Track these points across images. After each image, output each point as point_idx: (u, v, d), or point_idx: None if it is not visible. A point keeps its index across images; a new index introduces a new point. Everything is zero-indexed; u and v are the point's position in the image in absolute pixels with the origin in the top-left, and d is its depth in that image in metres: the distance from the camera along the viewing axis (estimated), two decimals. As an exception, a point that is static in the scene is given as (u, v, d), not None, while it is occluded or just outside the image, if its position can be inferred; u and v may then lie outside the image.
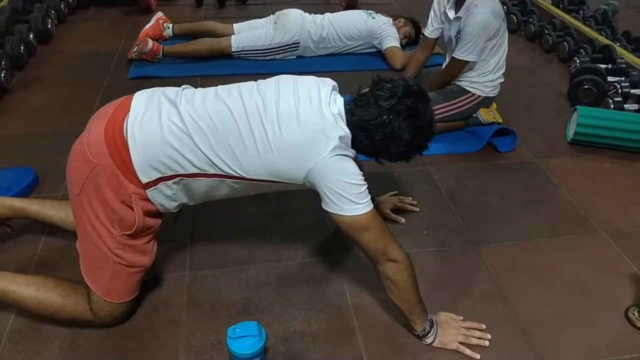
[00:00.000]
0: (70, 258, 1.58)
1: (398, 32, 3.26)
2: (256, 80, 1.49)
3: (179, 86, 1.48)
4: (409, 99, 1.35)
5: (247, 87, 1.44)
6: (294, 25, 3.16)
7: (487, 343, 1.48)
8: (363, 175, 1.36)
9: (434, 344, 1.46)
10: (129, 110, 1.36)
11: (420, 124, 1.38)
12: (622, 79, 2.85)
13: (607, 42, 3.23)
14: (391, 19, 3.32)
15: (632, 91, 2.76)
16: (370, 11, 3.34)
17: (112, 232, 1.38)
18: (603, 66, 2.97)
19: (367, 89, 1.42)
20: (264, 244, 1.81)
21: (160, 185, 1.38)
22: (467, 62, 2.31)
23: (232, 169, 1.37)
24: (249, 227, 1.89)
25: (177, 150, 1.33)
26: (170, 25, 3.35)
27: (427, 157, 2.28)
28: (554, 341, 1.51)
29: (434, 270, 1.73)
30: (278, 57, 3.20)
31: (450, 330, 1.48)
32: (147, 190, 1.37)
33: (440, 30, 2.48)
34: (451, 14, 2.33)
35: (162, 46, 3.07)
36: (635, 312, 1.58)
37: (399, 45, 3.20)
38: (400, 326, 1.52)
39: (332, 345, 1.48)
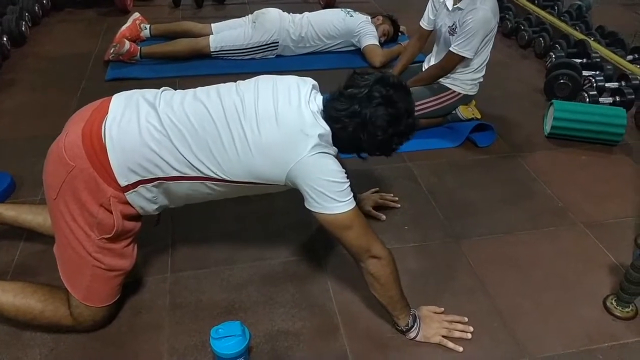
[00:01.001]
0: (49, 263, 1.56)
1: (376, 30, 3.28)
2: (236, 81, 1.48)
3: (158, 87, 1.47)
4: (382, 87, 1.32)
5: (226, 88, 1.43)
6: (273, 24, 3.15)
7: (469, 336, 1.49)
8: (345, 173, 1.36)
9: (417, 338, 1.47)
10: (107, 113, 1.35)
11: (395, 113, 1.33)
12: (597, 73, 2.91)
13: (581, 37, 3.29)
14: (369, 17, 3.33)
15: (607, 85, 2.82)
16: (348, 10, 3.35)
17: (91, 235, 1.36)
18: (578, 61, 3.02)
19: (343, 83, 1.41)
20: (246, 244, 1.80)
21: (140, 188, 1.36)
22: (464, 58, 2.30)
23: (212, 172, 1.36)
24: (230, 227, 1.89)
25: (156, 153, 1.32)
26: (148, 26, 3.32)
27: (407, 154, 2.30)
28: (535, 332, 1.53)
29: (415, 265, 1.74)
30: (257, 56, 3.19)
31: (432, 324, 1.49)
32: (126, 193, 1.36)
33: (435, 22, 2.45)
34: (449, 3, 2.31)
35: (139, 47, 3.04)
36: (613, 301, 1.61)
37: (377, 43, 3.21)
38: (384, 322, 1.52)
39: (317, 343, 1.48)
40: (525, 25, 3.58)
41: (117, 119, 1.33)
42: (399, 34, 3.44)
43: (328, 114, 1.37)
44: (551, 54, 3.17)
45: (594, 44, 3.21)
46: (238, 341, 1.31)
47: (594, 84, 2.80)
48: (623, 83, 2.83)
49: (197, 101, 1.38)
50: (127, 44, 2.98)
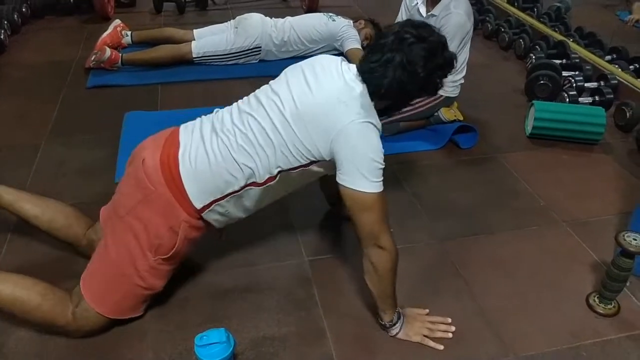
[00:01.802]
0: (35, 257, 1.53)
1: (359, 33, 3.28)
2: (254, 87, 1.55)
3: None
4: (410, 27, 1.34)
5: (263, 92, 1.48)
6: (255, 29, 3.15)
7: (450, 335, 1.50)
8: (383, 154, 1.35)
9: (399, 336, 1.48)
10: (178, 143, 1.44)
11: (430, 46, 1.33)
12: (576, 73, 2.95)
13: (561, 38, 3.34)
14: (351, 21, 3.34)
15: (586, 85, 2.86)
16: (330, 14, 3.36)
17: (147, 255, 1.41)
18: (558, 61, 3.06)
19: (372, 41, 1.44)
20: (230, 250, 1.79)
21: (214, 206, 1.45)
22: None
23: (276, 170, 1.41)
24: (214, 234, 1.87)
25: (225, 173, 1.40)
26: (129, 33, 3.30)
27: (391, 156, 2.30)
28: (520, 330, 1.54)
29: (400, 267, 1.72)
30: (240, 61, 3.18)
31: (415, 323, 1.50)
32: (202, 214, 1.45)
33: None
34: (423, 10, 2.32)
35: (120, 54, 3.02)
36: (596, 298, 1.63)
37: (360, 47, 3.21)
38: (370, 326, 1.52)
39: (303, 348, 1.47)
40: (505, 27, 3.62)
41: (187, 149, 1.42)
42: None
43: (364, 70, 1.36)
44: (531, 55, 3.21)
45: (573, 45, 3.26)
46: (222, 348, 1.30)
47: (574, 84, 2.84)
48: (602, 83, 2.87)
49: (243, 113, 1.45)
50: (109, 51, 2.96)
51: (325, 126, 1.34)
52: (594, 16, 4.27)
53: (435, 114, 2.51)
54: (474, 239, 1.89)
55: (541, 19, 3.74)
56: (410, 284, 1.68)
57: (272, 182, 1.44)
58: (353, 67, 1.42)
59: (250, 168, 1.40)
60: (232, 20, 3.26)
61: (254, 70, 3.14)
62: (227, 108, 1.52)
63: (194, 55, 3.10)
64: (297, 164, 1.41)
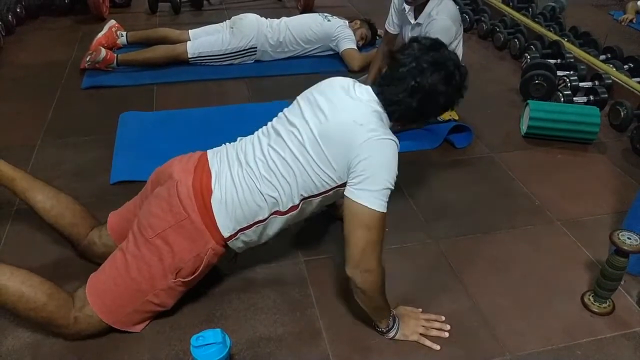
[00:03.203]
0: (38, 248, 1.52)
1: (354, 33, 3.29)
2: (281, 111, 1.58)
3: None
4: (426, 55, 1.38)
5: (280, 124, 1.51)
6: (251, 29, 3.15)
7: (446, 334, 1.51)
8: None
9: (396, 337, 1.49)
10: (210, 172, 1.47)
11: (448, 71, 1.39)
12: (571, 72, 2.96)
13: (555, 38, 3.35)
14: (347, 21, 3.35)
15: (581, 84, 2.87)
16: (326, 14, 3.36)
17: (168, 276, 1.43)
18: (552, 61, 3.07)
19: (386, 69, 1.46)
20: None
21: (240, 235, 1.47)
22: None
23: (299, 198, 1.45)
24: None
25: (251, 203, 1.43)
26: (124, 33, 3.29)
27: (387, 156, 2.31)
28: (515, 329, 1.55)
29: (396, 267, 1.75)
30: (236, 62, 3.18)
31: (410, 322, 1.51)
32: (228, 242, 1.47)
33: (401, 28, 2.48)
34: (411, 17, 2.34)
35: (115, 55, 3.01)
36: (591, 297, 1.63)
37: (355, 47, 3.23)
38: (366, 326, 1.53)
39: (299, 348, 1.47)
40: (500, 27, 3.63)
41: (218, 179, 1.45)
42: (377, 37, 3.46)
43: (387, 100, 1.41)
44: (526, 54, 3.22)
45: (568, 45, 3.27)
46: (219, 349, 1.30)
47: (569, 84, 2.85)
48: (596, 82, 2.88)
49: (264, 145, 1.48)
50: (103, 51, 2.95)
51: (344, 148, 1.36)
52: (588, 16, 4.29)
53: (431, 113, 2.51)
54: (469, 238, 1.90)
55: (536, 19, 3.75)
56: (405, 283, 1.69)
57: (294, 211, 1.48)
58: (367, 89, 1.45)
59: (273, 198, 1.44)
60: (227, 21, 3.26)
61: (250, 70, 3.14)
62: (249, 138, 1.56)
63: (189, 56, 3.09)
64: (318, 191, 1.45)
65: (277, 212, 1.47)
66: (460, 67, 1.44)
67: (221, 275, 1.70)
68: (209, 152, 1.55)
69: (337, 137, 1.37)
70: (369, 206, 1.32)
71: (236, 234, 1.46)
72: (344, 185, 1.40)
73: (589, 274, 1.75)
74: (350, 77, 1.54)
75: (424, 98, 1.39)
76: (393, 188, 1.35)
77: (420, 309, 1.57)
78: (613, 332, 1.55)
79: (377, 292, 1.39)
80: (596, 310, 1.61)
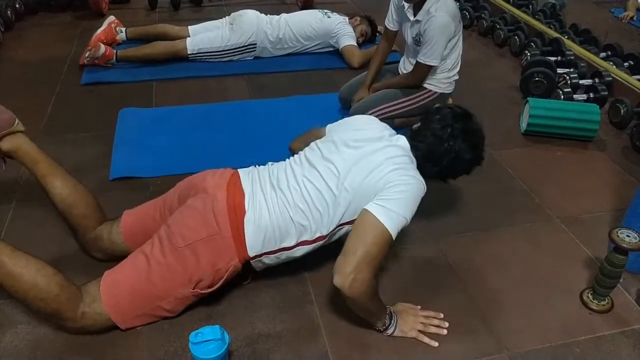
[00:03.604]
0: (36, 241, 1.52)
1: (354, 30, 3.29)
2: (311, 144, 1.64)
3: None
4: (459, 123, 1.53)
5: (315, 156, 1.55)
6: (250, 26, 3.14)
7: (445, 331, 1.51)
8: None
9: (395, 334, 1.49)
10: (243, 192, 1.50)
11: (476, 141, 1.57)
12: (571, 70, 2.96)
13: (555, 35, 3.34)
14: (347, 18, 3.34)
15: (581, 82, 2.87)
16: (326, 10, 3.36)
17: (187, 286, 1.45)
18: (552, 58, 3.07)
19: (419, 124, 1.59)
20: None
21: (264, 257, 1.52)
22: (432, 66, 2.33)
23: (325, 230, 1.50)
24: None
25: (282, 228, 1.48)
26: (123, 29, 3.28)
27: (386, 153, 2.31)
28: (514, 327, 1.55)
29: (395, 264, 1.75)
30: (235, 58, 3.17)
31: (408, 318, 1.51)
32: (251, 261, 1.51)
33: (400, 24, 2.48)
34: (410, 15, 2.34)
35: (115, 51, 3.00)
36: (590, 295, 1.63)
37: (355, 44, 3.22)
38: (364, 323, 1.52)
39: (298, 345, 1.48)
40: (500, 24, 3.62)
41: (251, 200, 1.49)
42: (377, 34, 3.45)
43: (420, 155, 1.54)
44: (526, 52, 3.22)
45: (568, 42, 3.26)
46: (217, 345, 1.30)
47: (569, 81, 2.84)
48: (596, 80, 2.88)
49: (299, 175, 1.52)
50: (103, 47, 2.94)
51: (379, 185, 1.42)
52: (589, 13, 4.29)
53: (431, 110, 2.51)
54: (469, 236, 1.90)
55: (536, 16, 3.74)
56: (404, 281, 1.69)
57: (321, 241, 1.52)
58: (404, 139, 1.56)
59: (303, 226, 1.48)
60: (227, 17, 3.26)
61: (249, 67, 3.13)
62: (280, 164, 1.61)
63: (188, 52, 3.09)
64: (348, 220, 1.49)
65: (304, 242, 1.51)
66: (484, 138, 1.60)
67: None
68: (241, 172, 1.59)
69: (374, 175, 1.43)
70: (384, 224, 1.36)
71: (261, 255, 1.50)
72: None
73: (588, 271, 1.75)
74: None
75: (452, 160, 1.54)
76: (408, 223, 1.42)
77: (419, 306, 1.57)
78: (612, 330, 1.55)
79: (368, 301, 1.40)
80: (595, 307, 1.61)
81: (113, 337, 1.47)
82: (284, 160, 1.63)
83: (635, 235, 1.51)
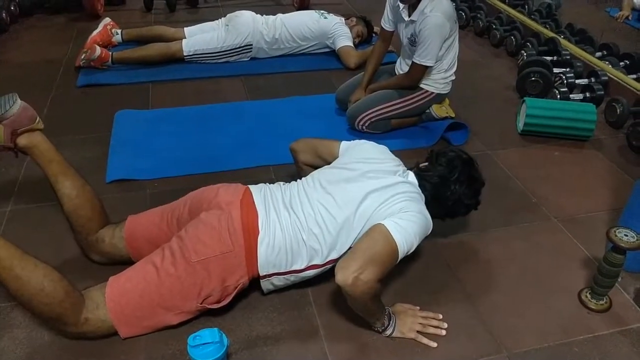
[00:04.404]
0: (32, 246, 1.51)
1: (350, 31, 3.29)
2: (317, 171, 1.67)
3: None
4: (466, 168, 1.62)
5: (329, 182, 1.57)
6: (246, 27, 3.14)
7: (443, 332, 1.51)
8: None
9: (393, 334, 1.49)
10: (256, 211, 1.51)
11: (477, 187, 1.66)
12: (567, 70, 2.97)
13: (551, 35, 3.35)
14: (343, 19, 3.34)
15: (577, 81, 2.88)
16: (322, 11, 3.35)
17: (195, 300, 1.45)
18: (549, 58, 3.08)
19: (425, 163, 1.66)
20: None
21: (273, 278, 1.53)
22: (427, 66, 2.33)
23: (335, 254, 1.50)
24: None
25: (294, 250, 1.49)
26: (119, 31, 3.28)
27: (384, 154, 2.30)
28: (512, 327, 1.55)
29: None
30: (231, 59, 3.17)
31: (407, 319, 1.51)
32: (261, 281, 1.53)
33: (396, 25, 2.48)
34: (405, 14, 2.34)
35: (110, 53, 3.00)
36: (588, 294, 1.64)
37: (352, 45, 3.22)
38: (363, 324, 1.52)
39: (296, 346, 1.47)
40: (496, 24, 3.63)
41: (264, 220, 1.49)
42: (373, 35, 3.46)
43: (428, 195, 1.59)
44: (522, 52, 3.22)
45: (564, 42, 3.27)
46: (216, 348, 1.29)
47: (565, 81, 2.85)
48: (593, 79, 2.89)
49: (313, 200, 1.53)
50: (98, 49, 2.94)
51: (392, 211, 1.46)
52: (584, 13, 4.30)
53: (427, 111, 2.51)
54: (466, 236, 1.90)
55: (532, 16, 3.75)
56: (403, 281, 1.69)
57: (330, 265, 1.51)
58: (413, 176, 1.61)
59: (315, 250, 1.49)
60: (222, 18, 3.25)
61: (246, 68, 3.13)
62: (293, 185, 1.61)
63: (184, 54, 3.08)
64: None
65: (314, 267, 1.52)
66: (484, 184, 1.70)
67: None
68: (253, 189, 1.59)
69: (386, 204, 1.47)
70: (394, 236, 1.40)
71: (271, 275, 1.51)
72: None
73: (586, 271, 1.75)
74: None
75: (455, 203, 1.62)
76: (411, 251, 1.45)
77: (418, 307, 1.56)
78: (610, 329, 1.56)
79: (369, 300, 1.40)
80: (593, 307, 1.61)
81: (111, 341, 1.46)
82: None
83: (633, 234, 1.51)
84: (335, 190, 1.53)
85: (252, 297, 1.62)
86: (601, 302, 1.62)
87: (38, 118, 1.62)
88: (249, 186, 1.61)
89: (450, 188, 1.59)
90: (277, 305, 1.60)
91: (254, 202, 1.53)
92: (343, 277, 1.34)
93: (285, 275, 1.53)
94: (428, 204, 1.57)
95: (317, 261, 1.51)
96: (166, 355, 1.43)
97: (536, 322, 1.57)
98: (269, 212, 1.51)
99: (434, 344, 1.47)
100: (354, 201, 1.49)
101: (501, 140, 2.50)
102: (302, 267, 1.51)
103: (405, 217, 1.44)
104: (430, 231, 1.52)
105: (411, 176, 1.61)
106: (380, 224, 1.42)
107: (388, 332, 1.48)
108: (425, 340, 1.48)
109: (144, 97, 2.77)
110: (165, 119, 2.56)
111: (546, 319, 1.58)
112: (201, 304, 1.46)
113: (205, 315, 1.54)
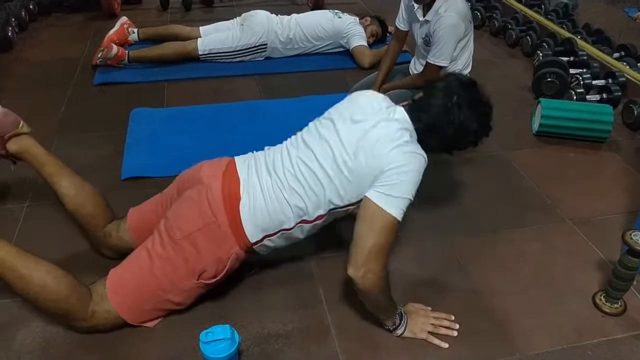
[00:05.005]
0: (49, 239, 1.54)
1: (365, 30, 3.28)
2: (310, 122, 1.60)
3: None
4: (465, 91, 1.46)
5: (311, 136, 1.52)
6: (261, 26, 3.15)
7: (455, 333, 1.50)
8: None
9: (404, 334, 1.49)
10: (238, 179, 1.49)
11: (483, 111, 1.49)
12: (584, 70, 2.93)
13: (568, 35, 3.31)
14: (357, 18, 3.34)
15: (594, 82, 2.84)
16: (336, 11, 3.36)
17: (191, 278, 1.45)
18: (565, 59, 3.04)
19: (421, 94, 1.52)
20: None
21: (265, 241, 1.50)
22: (442, 66, 2.32)
23: (323, 210, 1.47)
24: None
25: (278, 212, 1.46)
26: (135, 30, 3.30)
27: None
28: (524, 329, 1.54)
29: (405, 265, 1.74)
30: (246, 58, 3.18)
31: (418, 319, 1.51)
32: (254, 247, 1.50)
33: (411, 24, 2.47)
34: (420, 14, 2.33)
35: (127, 51, 3.03)
36: (602, 297, 1.62)
37: (366, 44, 3.22)
38: (374, 322, 1.52)
39: (307, 344, 1.48)
40: (512, 24, 3.60)
41: (246, 187, 1.47)
42: (387, 34, 3.45)
43: (422, 127, 1.47)
44: (538, 52, 3.19)
45: (581, 42, 3.23)
46: (227, 344, 1.30)
47: (581, 82, 2.82)
48: (610, 80, 2.85)
49: (294, 157, 1.50)
50: (115, 48, 2.97)
51: (375, 163, 1.39)
52: (602, 13, 4.24)
53: (441, 111, 2.49)
54: (479, 236, 1.89)
55: (548, 16, 3.71)
56: (415, 281, 1.68)
57: (321, 220, 1.50)
58: (402, 112, 1.48)
59: (300, 209, 1.46)
60: (237, 18, 3.27)
61: (260, 67, 3.14)
62: (277, 147, 1.58)
63: (199, 53, 3.10)
64: (346, 204, 1.46)
65: (303, 222, 1.49)
66: (492, 108, 1.53)
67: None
68: (237, 159, 1.57)
69: (369, 154, 1.40)
70: (387, 210, 1.34)
71: (262, 239, 1.49)
72: None
73: (601, 273, 1.73)
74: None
75: (457, 131, 1.46)
76: (412, 200, 1.39)
77: (430, 307, 1.56)
78: (624, 333, 1.54)
79: (379, 294, 1.40)
80: (608, 310, 1.59)
81: (124, 335, 1.48)
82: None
83: (649, 237, 1.49)
84: (314, 143, 1.49)
85: (264, 294, 1.63)
86: (616, 305, 1.60)
87: (22, 122, 1.64)
88: (235, 157, 1.59)
89: (448, 115, 1.45)
90: (288, 302, 1.60)
91: (237, 171, 1.52)
92: (353, 273, 1.35)
93: (276, 235, 1.50)
94: (425, 138, 1.47)
95: (306, 217, 1.48)
96: (179, 350, 1.44)
97: (549, 324, 1.56)
98: (251, 177, 1.49)
99: (446, 345, 1.47)
100: (331, 154, 1.44)
101: (516, 140, 2.48)
102: (291, 225, 1.48)
103: (392, 179, 1.36)
104: (425, 165, 1.42)
105: (399, 113, 1.48)
106: (369, 201, 1.37)
107: (399, 331, 1.48)
108: (436, 341, 1.47)
109: (159, 95, 2.79)
110: (180, 117, 2.58)
111: (559, 322, 1.57)
112: (197, 280, 1.45)
113: (218, 312, 1.56)
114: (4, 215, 1.92)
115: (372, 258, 1.34)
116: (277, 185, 1.47)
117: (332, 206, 1.47)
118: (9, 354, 1.43)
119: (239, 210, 1.45)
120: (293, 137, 1.59)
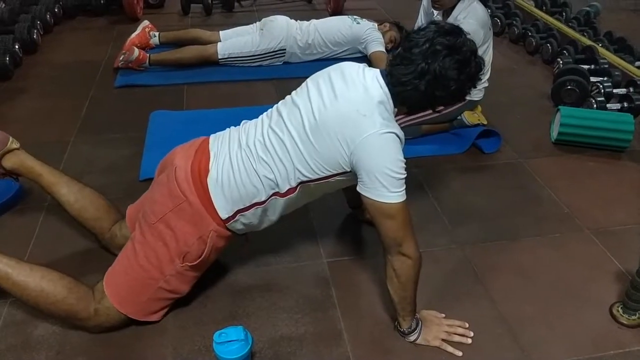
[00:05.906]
0: (63, 246, 1.57)
1: (383, 36, 3.28)
2: (284, 95, 1.56)
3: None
4: (443, 37, 1.32)
5: (284, 106, 1.49)
6: (280, 31, 3.18)
7: (469, 341, 1.49)
8: (405, 163, 1.34)
9: (418, 341, 1.48)
10: (209, 153, 1.48)
11: (463, 57, 1.33)
12: (605, 79, 2.89)
13: (589, 43, 3.28)
14: (376, 24, 3.34)
15: (615, 91, 2.81)
16: (355, 16, 3.36)
17: (175, 261, 1.45)
18: (586, 67, 3.01)
19: (400, 49, 1.40)
20: (251, 249, 1.80)
21: (239, 217, 1.47)
22: None
23: (293, 182, 1.43)
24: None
25: (248, 184, 1.43)
26: (157, 34, 3.35)
27: (413, 160, 2.29)
28: (540, 338, 1.52)
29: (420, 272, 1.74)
30: (265, 63, 3.21)
31: (433, 327, 1.50)
32: (227, 224, 1.47)
33: None
34: (439, 20, 2.33)
35: (148, 54, 3.07)
36: (619, 309, 1.60)
37: (384, 50, 3.21)
38: (387, 328, 1.52)
39: (320, 348, 1.48)
40: (532, 32, 3.57)
41: (215, 160, 1.46)
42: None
43: (395, 80, 1.36)
44: (559, 60, 3.16)
45: (602, 50, 3.20)
46: (240, 346, 1.32)
47: (602, 90, 2.78)
48: (631, 89, 2.81)
49: (265, 126, 1.47)
50: (136, 51, 3.02)
51: (345, 139, 1.34)
52: (624, 21, 4.19)
53: (459, 117, 2.49)
54: (495, 244, 1.87)
55: (569, 24, 3.68)
56: (429, 288, 1.67)
57: (293, 194, 1.47)
58: (376, 73, 1.41)
59: (270, 180, 1.43)
60: (257, 22, 3.30)
61: (278, 72, 3.16)
62: (253, 121, 1.56)
63: (219, 57, 3.14)
64: (316, 177, 1.43)
65: (276, 194, 1.45)
66: (477, 56, 1.38)
67: (244, 272, 1.71)
68: (212, 136, 1.57)
69: (339, 127, 1.34)
70: (385, 201, 1.33)
71: (234, 215, 1.46)
72: (343, 174, 1.41)
73: (618, 284, 1.71)
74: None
75: (433, 82, 1.33)
76: (404, 175, 1.34)
77: (444, 315, 1.55)
78: (642, 345, 1.52)
79: (411, 279, 1.40)
80: (625, 322, 1.57)
81: (138, 334, 1.50)
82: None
83: (669, 248, 1.47)
84: (286, 111, 1.45)
85: (278, 296, 1.63)
86: (633, 317, 1.57)
87: (11, 138, 1.68)
88: (211, 135, 1.58)
89: (421, 64, 1.32)
90: (301, 306, 1.61)
91: (208, 148, 1.51)
92: (390, 258, 1.38)
93: (250, 211, 1.46)
94: (400, 98, 1.38)
95: (277, 189, 1.44)
96: (192, 350, 1.46)
97: (565, 335, 1.54)
98: (222, 149, 1.48)
99: (459, 353, 1.46)
100: (300, 121, 1.40)
101: (534, 148, 2.46)
102: (263, 199, 1.45)
103: (372, 174, 1.31)
104: (402, 140, 1.36)
105: (375, 79, 1.38)
106: (367, 199, 1.35)
107: (412, 337, 1.48)
108: (450, 349, 1.46)
109: (178, 98, 2.83)
110: (198, 120, 2.61)
111: (575, 332, 1.55)
112: (182, 263, 1.45)
113: (231, 313, 1.57)
114: (26, 214, 1.96)
115: (399, 240, 1.35)
116: (246, 155, 1.44)
117: (302, 178, 1.42)
118: (27, 349, 1.45)
119: (207, 184, 1.43)
120: (270, 109, 1.55)
